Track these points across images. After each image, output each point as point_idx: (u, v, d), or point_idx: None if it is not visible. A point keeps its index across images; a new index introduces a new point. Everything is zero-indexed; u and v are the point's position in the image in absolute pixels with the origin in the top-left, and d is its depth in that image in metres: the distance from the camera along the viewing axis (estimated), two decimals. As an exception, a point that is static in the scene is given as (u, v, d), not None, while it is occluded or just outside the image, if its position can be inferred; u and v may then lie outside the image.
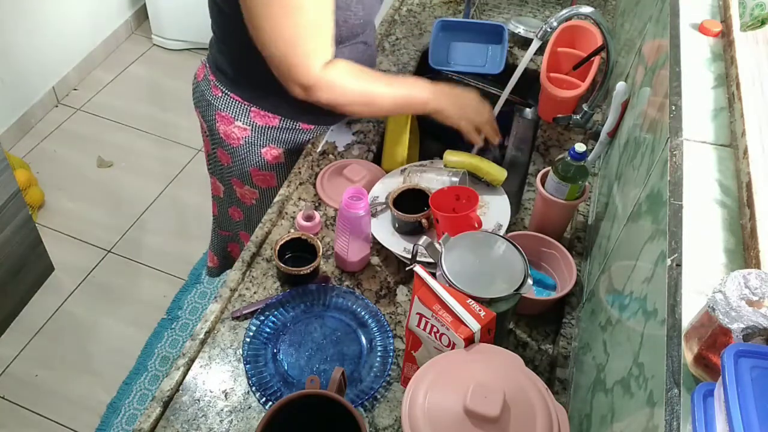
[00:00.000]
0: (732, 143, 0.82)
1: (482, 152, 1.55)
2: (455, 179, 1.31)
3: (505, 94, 1.42)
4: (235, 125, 1.36)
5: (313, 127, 1.41)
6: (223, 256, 1.77)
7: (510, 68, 1.46)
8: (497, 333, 0.90)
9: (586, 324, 1.05)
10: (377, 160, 1.47)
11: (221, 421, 1.01)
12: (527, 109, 1.60)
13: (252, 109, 1.34)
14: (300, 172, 1.37)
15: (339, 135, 1.45)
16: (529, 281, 0.93)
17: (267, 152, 1.39)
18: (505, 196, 1.25)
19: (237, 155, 1.40)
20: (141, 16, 3.33)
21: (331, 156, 1.41)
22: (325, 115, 1.38)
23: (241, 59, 1.30)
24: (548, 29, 1.29)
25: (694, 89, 0.89)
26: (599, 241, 1.14)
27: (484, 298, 0.89)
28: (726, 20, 1.00)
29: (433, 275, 0.93)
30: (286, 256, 1.17)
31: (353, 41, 1.28)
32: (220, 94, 1.35)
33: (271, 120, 1.35)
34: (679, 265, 0.68)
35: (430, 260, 1.02)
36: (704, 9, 1.04)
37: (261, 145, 1.38)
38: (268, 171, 1.43)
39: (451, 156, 1.29)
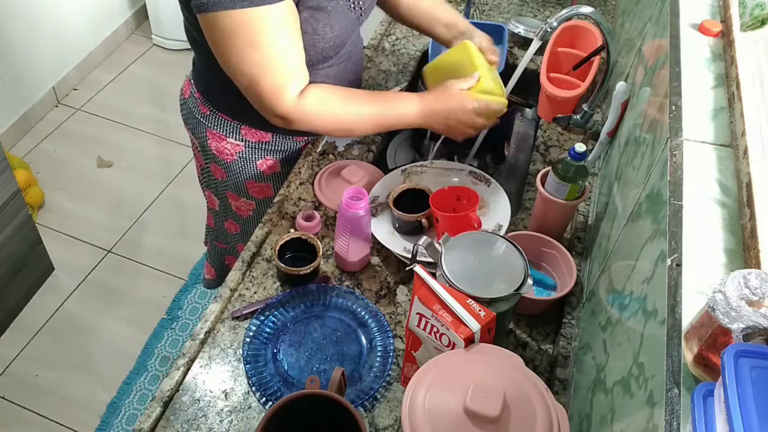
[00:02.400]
0: (732, 143, 0.82)
1: (481, 152, 1.55)
2: (456, 179, 1.31)
3: (505, 94, 1.42)
4: (227, 141, 1.34)
5: (306, 138, 1.40)
6: (220, 269, 1.75)
7: (510, 68, 1.46)
8: (497, 333, 0.90)
9: (586, 324, 1.05)
10: (377, 160, 1.47)
11: (221, 421, 1.01)
12: (527, 109, 1.60)
13: (242, 127, 1.32)
14: (300, 172, 1.37)
15: (339, 135, 1.45)
16: (529, 281, 0.94)
17: (262, 164, 1.38)
18: (505, 196, 1.25)
19: (232, 169, 1.39)
20: (141, 16, 3.33)
21: (331, 156, 1.41)
22: None
23: (224, 83, 1.26)
24: (548, 29, 1.29)
25: (694, 89, 0.89)
26: (599, 241, 1.14)
27: (484, 298, 0.89)
28: (726, 20, 1.00)
29: (433, 275, 0.93)
30: (286, 256, 1.17)
31: (330, 62, 1.25)
32: (208, 113, 1.33)
33: (263, 136, 1.34)
34: (679, 265, 0.68)
35: (430, 260, 1.02)
36: (704, 9, 1.04)
37: (256, 159, 1.37)
38: (264, 182, 1.42)
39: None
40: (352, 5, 1.20)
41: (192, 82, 1.36)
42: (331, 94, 1.19)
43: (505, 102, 1.28)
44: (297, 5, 1.10)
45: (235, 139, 1.33)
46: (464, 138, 1.29)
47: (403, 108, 1.23)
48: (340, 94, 1.20)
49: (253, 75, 1.09)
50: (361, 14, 1.24)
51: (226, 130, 1.33)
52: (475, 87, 1.25)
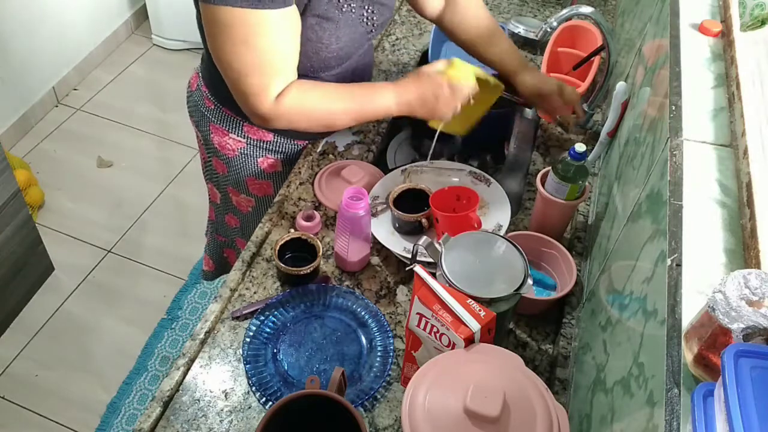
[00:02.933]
0: (732, 143, 0.82)
1: (481, 152, 1.55)
2: (456, 179, 1.31)
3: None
4: (229, 137, 1.35)
5: (307, 141, 1.40)
6: (219, 261, 1.76)
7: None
8: (497, 333, 0.90)
9: (586, 324, 1.05)
10: (377, 160, 1.47)
11: (221, 421, 1.01)
12: (527, 109, 1.59)
13: (245, 124, 1.33)
14: (300, 172, 1.37)
15: (339, 135, 1.45)
16: (529, 281, 0.94)
17: (263, 162, 1.39)
18: (506, 196, 1.25)
19: (232, 165, 1.39)
20: (141, 16, 3.33)
21: (331, 156, 1.41)
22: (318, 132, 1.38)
23: None
24: (548, 29, 1.29)
25: (694, 89, 0.89)
26: (599, 241, 1.14)
27: (484, 298, 0.89)
28: (726, 20, 1.00)
29: (433, 275, 0.93)
30: (286, 256, 1.17)
31: (332, 72, 1.25)
32: (213, 107, 1.34)
33: (265, 135, 1.34)
34: (679, 265, 0.68)
35: (430, 260, 1.02)
36: (704, 9, 1.04)
37: (257, 156, 1.37)
38: (264, 180, 1.42)
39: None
40: (365, 20, 1.20)
41: (200, 75, 1.37)
42: (309, 92, 1.17)
43: (473, 83, 1.22)
44: (303, 11, 1.10)
45: (238, 135, 1.34)
46: (450, 114, 1.24)
47: (380, 101, 1.21)
48: (318, 92, 1.18)
49: (240, 72, 1.10)
50: (372, 29, 1.24)
51: (229, 125, 1.33)
52: (446, 72, 1.20)
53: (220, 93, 1.31)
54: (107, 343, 2.18)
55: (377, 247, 1.23)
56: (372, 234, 1.20)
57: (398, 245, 1.20)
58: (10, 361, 2.12)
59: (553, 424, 0.79)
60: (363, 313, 1.14)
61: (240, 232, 1.58)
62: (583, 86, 1.43)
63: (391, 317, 1.15)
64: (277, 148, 1.37)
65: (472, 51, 1.41)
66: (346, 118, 1.23)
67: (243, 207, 1.50)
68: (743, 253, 0.70)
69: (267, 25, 1.05)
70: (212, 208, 1.64)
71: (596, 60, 1.45)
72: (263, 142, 1.35)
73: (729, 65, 0.92)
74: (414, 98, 1.21)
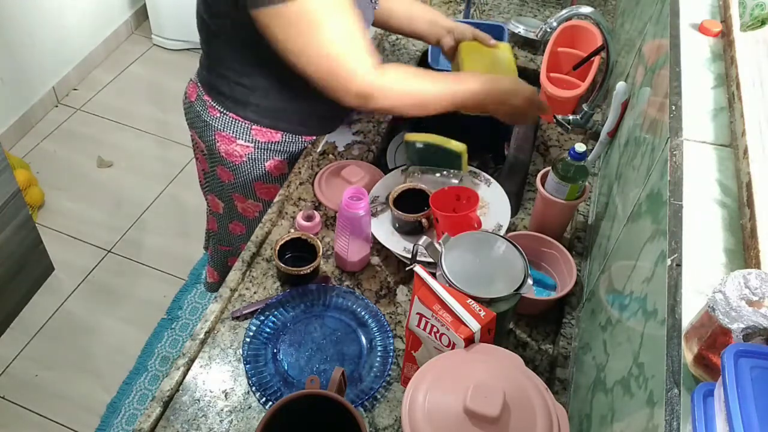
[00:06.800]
0: (732, 143, 0.82)
1: (481, 152, 1.55)
2: (455, 179, 1.31)
3: None
4: (237, 143, 1.34)
5: (314, 137, 1.40)
6: (223, 272, 1.73)
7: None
8: (497, 333, 0.90)
9: (586, 324, 1.05)
10: (377, 160, 1.47)
11: (221, 421, 1.01)
12: (527, 109, 1.59)
13: (253, 127, 1.32)
14: (300, 172, 1.37)
15: (339, 135, 1.45)
16: (529, 281, 0.94)
17: (270, 165, 1.38)
18: (505, 196, 1.25)
19: (240, 171, 1.39)
20: (141, 16, 3.33)
21: (331, 156, 1.41)
22: (327, 124, 1.38)
23: (237, 80, 1.27)
24: (548, 29, 1.29)
25: (694, 89, 0.89)
26: (599, 241, 1.14)
27: (484, 298, 0.89)
28: (726, 20, 1.00)
29: (433, 275, 0.93)
30: (286, 256, 1.17)
31: None
32: (218, 115, 1.33)
33: (273, 136, 1.34)
34: (679, 265, 0.68)
35: (430, 260, 1.02)
36: (704, 9, 1.04)
37: (264, 160, 1.37)
38: (272, 183, 1.41)
39: (412, 136, 1.29)
40: None
41: (198, 84, 1.35)
42: (405, 69, 1.21)
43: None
44: None
45: (245, 141, 1.33)
46: (511, 122, 1.35)
47: (469, 83, 1.24)
48: (412, 70, 1.23)
49: (331, 55, 1.08)
50: (375, 5, 1.30)
51: (237, 131, 1.33)
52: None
53: (225, 99, 1.31)
54: (107, 343, 2.18)
55: (377, 247, 1.23)
56: (372, 234, 1.20)
57: (398, 245, 1.20)
58: (10, 361, 2.12)
59: (553, 424, 0.79)
60: (363, 313, 1.14)
61: (246, 239, 1.55)
62: (583, 86, 1.43)
63: (391, 317, 1.15)
64: (285, 148, 1.37)
65: (408, 31, 1.47)
66: (441, 99, 1.22)
67: (249, 213, 1.49)
68: (743, 253, 0.70)
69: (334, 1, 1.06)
70: (213, 218, 1.61)
71: (596, 60, 1.45)
72: (271, 143, 1.34)
73: (729, 65, 0.92)
74: (495, 93, 1.25)
